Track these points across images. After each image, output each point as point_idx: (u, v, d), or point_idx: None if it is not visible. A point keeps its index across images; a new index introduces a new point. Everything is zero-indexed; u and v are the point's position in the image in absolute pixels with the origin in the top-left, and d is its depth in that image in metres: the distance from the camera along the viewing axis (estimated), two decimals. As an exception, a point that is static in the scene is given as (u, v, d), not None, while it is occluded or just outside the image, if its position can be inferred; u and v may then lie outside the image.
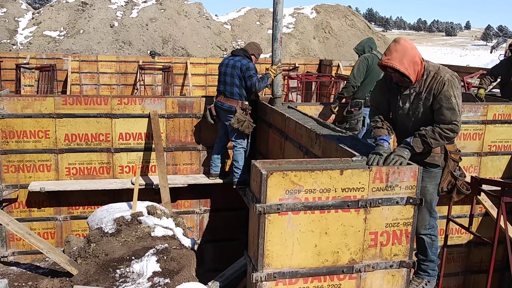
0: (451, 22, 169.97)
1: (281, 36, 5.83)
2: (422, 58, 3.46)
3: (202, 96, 6.38)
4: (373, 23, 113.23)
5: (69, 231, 6.14)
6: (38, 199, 6.02)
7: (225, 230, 6.58)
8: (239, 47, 7.60)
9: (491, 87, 8.64)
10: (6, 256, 5.95)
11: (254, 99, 6.36)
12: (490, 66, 20.66)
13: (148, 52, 17.89)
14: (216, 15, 24.24)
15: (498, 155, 6.35)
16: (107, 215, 4.18)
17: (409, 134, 3.50)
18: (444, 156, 3.62)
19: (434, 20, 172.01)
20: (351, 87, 6.21)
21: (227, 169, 6.33)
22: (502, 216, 4.28)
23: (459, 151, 3.78)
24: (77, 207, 6.17)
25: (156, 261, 3.56)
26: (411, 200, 3.17)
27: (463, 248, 6.40)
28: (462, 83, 10.95)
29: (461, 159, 3.76)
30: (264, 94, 8.70)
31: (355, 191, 3.09)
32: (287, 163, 3.24)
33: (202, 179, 6.21)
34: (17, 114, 5.72)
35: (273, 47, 5.89)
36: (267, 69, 5.95)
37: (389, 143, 3.43)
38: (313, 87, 13.44)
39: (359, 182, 3.09)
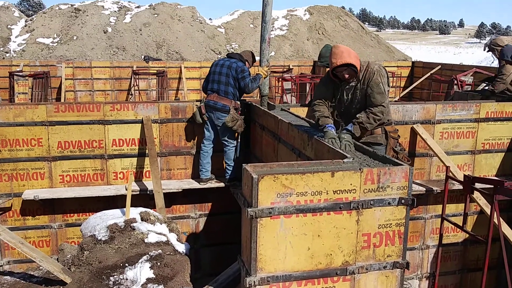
0: (444, 21, 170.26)
1: (269, 37, 5.91)
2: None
3: (196, 100, 6.38)
4: (366, 23, 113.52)
5: (64, 239, 6.11)
6: (32, 208, 5.99)
7: (222, 234, 6.56)
8: (233, 50, 7.69)
9: (484, 85, 8.65)
10: (2, 265, 5.92)
11: (246, 102, 6.40)
12: (484, 64, 20.74)
13: (142, 57, 17.84)
14: (209, 19, 24.24)
15: (492, 152, 6.37)
16: (100, 222, 4.16)
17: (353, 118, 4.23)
18: (384, 136, 4.39)
19: (428, 18, 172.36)
20: None
21: (220, 172, 6.31)
22: (495, 214, 4.29)
23: (397, 130, 4.61)
24: (71, 215, 6.15)
25: (149, 267, 3.55)
26: (403, 201, 3.17)
27: (459, 246, 6.41)
28: (456, 82, 11.00)
29: (399, 136, 4.56)
30: (258, 96, 8.71)
31: (347, 193, 3.09)
32: (278, 166, 3.24)
33: (197, 184, 6.19)
34: (9, 122, 5.70)
35: (261, 48, 5.98)
36: (257, 71, 6.02)
37: (334, 129, 4.03)
38: (308, 88, 13.44)
39: (351, 184, 3.08)
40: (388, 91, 4.22)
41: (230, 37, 21.89)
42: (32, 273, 4.40)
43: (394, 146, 4.43)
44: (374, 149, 3.98)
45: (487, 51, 7.70)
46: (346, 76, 4.15)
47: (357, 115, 4.16)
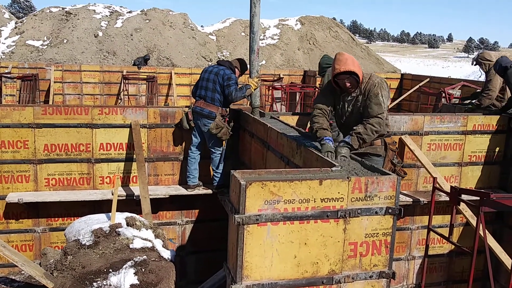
0: (433, 34, 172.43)
1: (258, 48, 5.90)
2: None
3: (185, 106, 6.36)
4: (357, 35, 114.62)
5: (48, 243, 6.02)
6: (16, 211, 5.89)
7: (208, 241, 6.52)
8: (224, 58, 7.71)
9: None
10: (-18, 270, 5.81)
11: (236, 109, 6.39)
12: (471, 78, 21.04)
13: (132, 62, 17.70)
14: (201, 26, 24.29)
15: (478, 165, 6.42)
16: (85, 227, 4.10)
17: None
18: (384, 147, 4.36)
19: (417, 32, 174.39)
20: None
21: (207, 179, 6.28)
22: (481, 225, 4.31)
23: (395, 142, 4.63)
24: (56, 219, 6.06)
25: (134, 273, 3.50)
26: (390, 210, 3.17)
27: (445, 257, 6.43)
28: (444, 94, 11.12)
29: (397, 148, 4.59)
30: (248, 104, 8.71)
31: (335, 201, 3.08)
32: (267, 173, 3.22)
33: (184, 190, 6.15)
34: (-5, 124, 5.62)
35: (250, 59, 5.96)
36: (247, 81, 6.01)
37: (332, 142, 3.94)
38: (297, 97, 13.50)
39: (338, 192, 3.07)
40: (387, 104, 4.17)
41: (221, 45, 21.93)
42: (13, 277, 4.32)
43: (392, 158, 4.41)
44: (373, 160, 4.04)
45: (475, 65, 7.78)
46: (348, 84, 4.09)
47: (354, 127, 4.08)
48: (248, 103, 6.80)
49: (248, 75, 6.12)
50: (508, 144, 6.42)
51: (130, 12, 22.58)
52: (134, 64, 16.63)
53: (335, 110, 4.38)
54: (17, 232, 5.95)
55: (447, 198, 5.26)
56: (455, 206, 4.86)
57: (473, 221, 5.28)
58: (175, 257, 4.31)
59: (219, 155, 6.05)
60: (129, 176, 6.13)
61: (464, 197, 4.72)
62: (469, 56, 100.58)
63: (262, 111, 6.33)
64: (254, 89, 6.00)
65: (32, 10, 63.76)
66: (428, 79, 14.56)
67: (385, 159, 4.37)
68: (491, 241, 5.40)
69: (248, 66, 6.12)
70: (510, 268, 5.07)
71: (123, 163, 6.07)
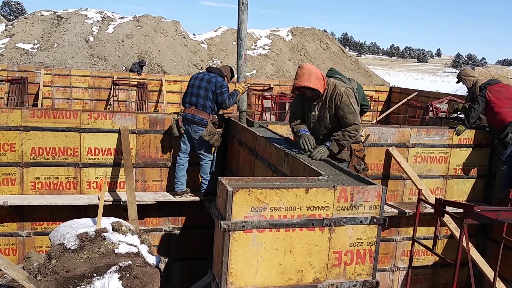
0: (422, 49, 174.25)
1: (245, 54, 6.01)
2: (323, 74, 4.36)
3: (174, 113, 6.38)
4: (347, 47, 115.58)
5: (32, 248, 5.96)
6: (1, 214, 5.84)
7: (194, 248, 6.50)
8: (215, 66, 7.76)
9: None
10: (-36, 273, 5.73)
11: (225, 117, 6.42)
12: (459, 93, 21.34)
13: (130, 68, 17.47)
14: (193, 34, 24.34)
15: (463, 178, 6.51)
16: (70, 231, 4.08)
17: (321, 136, 4.48)
18: (349, 153, 4.61)
19: (407, 46, 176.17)
20: None
21: (195, 186, 6.28)
22: (464, 237, 4.37)
23: (364, 149, 4.85)
24: (41, 223, 6.01)
25: (118, 278, 3.49)
26: (375, 220, 3.20)
27: (429, 269, 6.49)
28: (431, 108, 11.26)
29: (365, 155, 4.84)
30: (237, 112, 8.73)
31: (320, 209, 3.11)
32: (254, 180, 3.25)
33: (171, 197, 6.15)
34: (-18, 126, 5.58)
35: (238, 64, 6.04)
36: (235, 87, 6.06)
37: (308, 132, 4.29)
38: (287, 107, 13.56)
39: (324, 201, 3.11)
40: (358, 109, 4.45)
41: (212, 53, 21.99)
42: (-5, 281, 4.27)
43: (358, 164, 4.65)
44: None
45: (457, 82, 7.96)
46: (309, 95, 4.36)
47: (334, 133, 4.35)
48: (236, 108, 6.85)
49: (235, 82, 6.18)
50: (493, 158, 6.53)
51: (122, 18, 22.56)
52: (131, 71, 16.58)
53: (305, 116, 4.61)
54: (1, 236, 5.89)
55: (432, 210, 5.32)
56: (439, 218, 4.92)
57: (457, 233, 5.34)
58: (161, 263, 4.30)
59: (209, 162, 6.06)
60: (116, 181, 6.11)
61: (448, 209, 4.78)
62: (457, 71, 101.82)
63: (251, 119, 6.37)
64: (242, 94, 6.07)
65: (23, 13, 63.45)
66: (416, 93, 14.74)
67: (349, 164, 4.59)
68: (474, 253, 5.47)
69: (236, 71, 6.19)
70: (492, 280, 5.13)
71: (110, 168, 6.06)
